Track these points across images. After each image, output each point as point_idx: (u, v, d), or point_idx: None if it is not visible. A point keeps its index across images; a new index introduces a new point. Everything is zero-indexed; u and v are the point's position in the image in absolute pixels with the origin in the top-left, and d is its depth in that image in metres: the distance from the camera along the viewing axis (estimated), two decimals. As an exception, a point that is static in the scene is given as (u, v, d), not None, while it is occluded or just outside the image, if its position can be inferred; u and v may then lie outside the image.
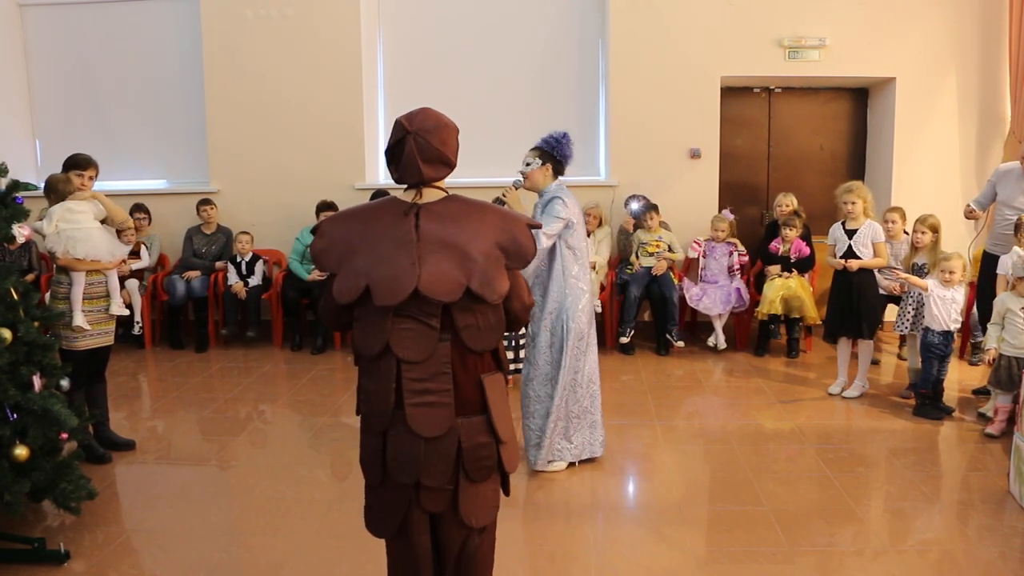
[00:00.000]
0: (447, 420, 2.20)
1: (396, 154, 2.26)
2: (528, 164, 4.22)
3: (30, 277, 6.92)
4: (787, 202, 7.10)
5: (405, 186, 2.29)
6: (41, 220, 4.47)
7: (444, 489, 2.25)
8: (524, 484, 4.24)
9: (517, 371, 5.99)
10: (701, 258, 7.16)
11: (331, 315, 2.31)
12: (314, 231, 2.33)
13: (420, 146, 2.22)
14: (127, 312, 4.72)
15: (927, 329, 5.26)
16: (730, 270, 7.10)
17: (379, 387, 2.21)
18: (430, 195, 2.26)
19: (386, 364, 2.19)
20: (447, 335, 2.19)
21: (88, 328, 4.49)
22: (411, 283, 2.11)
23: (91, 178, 4.66)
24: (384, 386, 2.20)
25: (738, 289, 6.99)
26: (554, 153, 4.21)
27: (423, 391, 2.18)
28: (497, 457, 2.31)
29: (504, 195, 4.20)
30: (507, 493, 2.43)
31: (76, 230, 4.47)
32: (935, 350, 5.20)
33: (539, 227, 2.36)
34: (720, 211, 7.39)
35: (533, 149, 4.25)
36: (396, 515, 2.28)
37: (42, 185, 4.52)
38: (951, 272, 5.16)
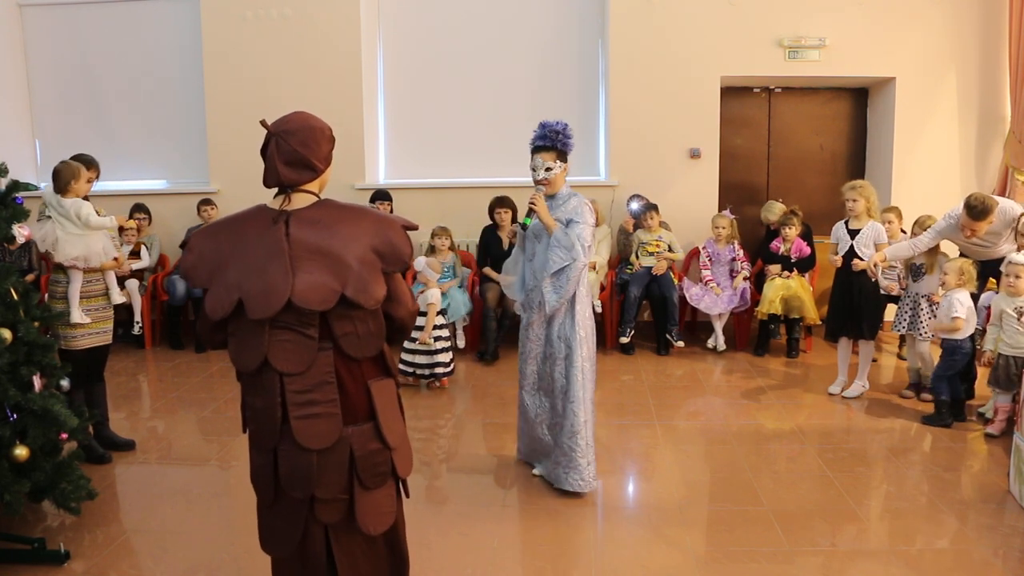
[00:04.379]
0: (335, 430, 2.17)
1: (264, 157, 2.24)
2: (549, 169, 4.01)
3: (30, 277, 6.91)
4: (770, 219, 7.16)
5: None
6: (39, 220, 4.48)
7: (339, 499, 2.23)
8: (523, 485, 4.25)
9: (448, 373, 6.04)
10: (708, 263, 7.15)
11: (207, 332, 2.24)
12: (183, 246, 2.29)
13: (280, 148, 2.19)
14: (124, 299, 4.72)
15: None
16: (732, 273, 7.10)
17: (264, 403, 2.16)
18: (300, 200, 2.21)
19: (268, 378, 2.14)
20: (327, 344, 2.14)
21: (88, 321, 4.50)
22: (284, 294, 2.06)
23: (89, 181, 4.64)
24: (269, 401, 2.15)
25: (741, 289, 6.99)
26: (567, 150, 4.07)
27: (308, 402, 2.14)
28: (391, 463, 2.29)
29: (534, 203, 3.99)
30: (407, 495, 2.43)
31: (62, 231, 4.46)
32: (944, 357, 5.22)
33: (415, 228, 2.27)
34: (720, 211, 7.40)
35: (545, 150, 4.03)
36: (294, 532, 2.25)
37: (42, 185, 4.53)
38: (944, 274, 5.16)
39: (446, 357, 5.99)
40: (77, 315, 4.45)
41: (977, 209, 4.96)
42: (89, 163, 4.68)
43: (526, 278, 4.21)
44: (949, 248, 5.61)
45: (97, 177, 4.78)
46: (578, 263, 3.94)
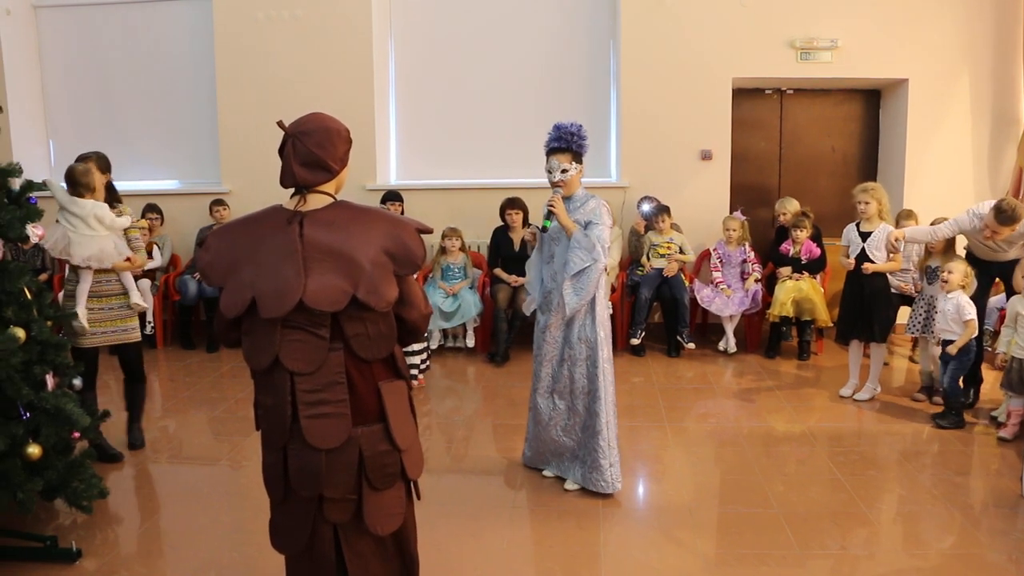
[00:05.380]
0: (344, 430, 2.17)
1: (281, 157, 2.25)
2: (565, 171, 4.01)
3: (43, 276, 6.96)
4: (785, 209, 7.11)
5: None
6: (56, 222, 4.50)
7: (348, 499, 2.24)
8: (533, 486, 4.25)
9: (424, 369, 5.97)
10: (719, 264, 7.13)
11: (222, 330, 2.26)
12: (200, 243, 2.31)
13: (296, 149, 2.20)
14: (146, 306, 4.68)
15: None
16: (743, 275, 7.07)
17: (275, 401, 2.18)
18: (315, 201, 2.21)
19: (279, 377, 2.16)
20: (338, 344, 2.15)
21: (87, 328, 4.49)
22: (296, 294, 2.08)
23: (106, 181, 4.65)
24: (280, 400, 2.16)
25: (753, 291, 6.97)
26: (582, 152, 4.07)
27: (318, 402, 2.15)
28: (400, 465, 2.29)
29: (553, 206, 4.00)
30: (419, 497, 2.43)
31: (74, 233, 4.47)
32: (942, 358, 5.20)
33: (429, 231, 2.27)
34: (731, 212, 7.38)
35: (561, 152, 4.02)
36: (302, 530, 2.26)
37: (62, 184, 4.55)
38: (949, 272, 5.14)
39: (416, 359, 5.79)
40: (82, 313, 4.46)
41: (1006, 214, 4.98)
42: (105, 167, 4.68)
43: (544, 279, 4.21)
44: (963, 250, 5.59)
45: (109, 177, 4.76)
46: (598, 264, 3.93)
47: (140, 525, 3.86)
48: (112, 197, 4.72)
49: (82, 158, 4.65)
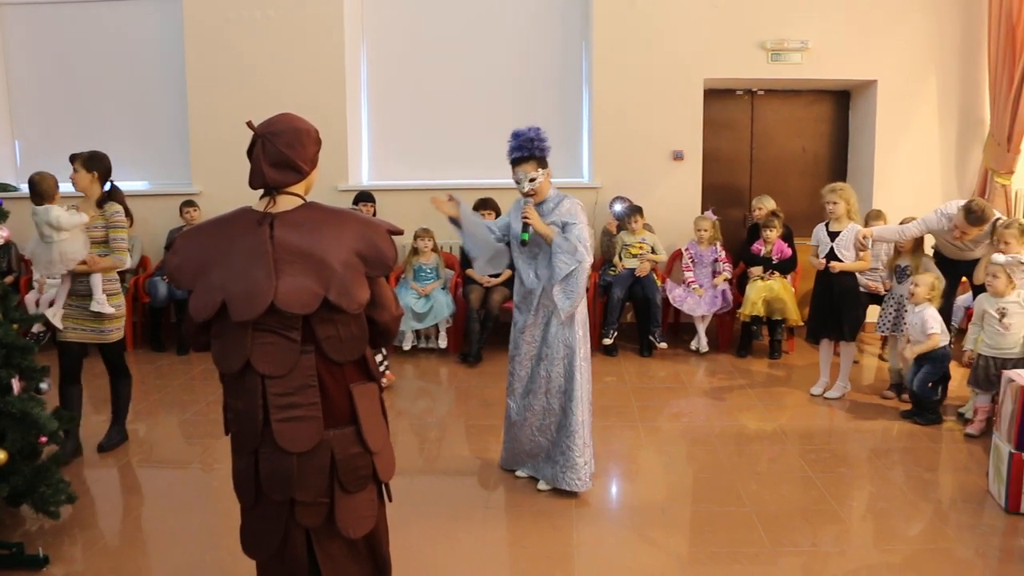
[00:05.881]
0: (316, 434, 2.16)
1: (250, 158, 2.23)
2: (533, 179, 3.97)
3: (9, 279, 6.85)
4: (761, 205, 7.16)
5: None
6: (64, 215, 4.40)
7: (319, 503, 2.23)
8: (506, 487, 4.25)
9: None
10: (691, 264, 7.16)
11: (192, 334, 2.24)
12: (168, 247, 2.29)
13: (266, 149, 2.19)
14: (110, 310, 4.56)
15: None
16: (715, 275, 7.11)
17: (246, 405, 2.16)
18: (285, 203, 2.21)
19: (250, 381, 2.14)
20: (309, 347, 2.14)
21: (61, 327, 4.46)
22: (268, 297, 2.06)
23: (93, 182, 4.57)
24: (251, 404, 2.15)
25: (722, 291, 7.02)
26: (545, 155, 4.01)
27: (289, 405, 2.14)
28: (372, 467, 2.29)
29: (527, 217, 3.96)
30: (390, 499, 2.43)
31: (43, 243, 4.41)
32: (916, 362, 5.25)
33: (400, 232, 2.27)
34: (703, 212, 7.42)
35: (525, 161, 3.96)
36: (274, 534, 2.25)
37: (20, 187, 4.49)
38: (915, 285, 5.18)
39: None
40: (56, 313, 4.41)
41: (976, 215, 5.06)
42: (92, 166, 4.57)
43: (525, 279, 4.13)
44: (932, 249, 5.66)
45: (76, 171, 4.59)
46: (584, 264, 3.94)
47: (109, 530, 3.81)
48: (111, 197, 4.60)
49: (73, 157, 4.56)
